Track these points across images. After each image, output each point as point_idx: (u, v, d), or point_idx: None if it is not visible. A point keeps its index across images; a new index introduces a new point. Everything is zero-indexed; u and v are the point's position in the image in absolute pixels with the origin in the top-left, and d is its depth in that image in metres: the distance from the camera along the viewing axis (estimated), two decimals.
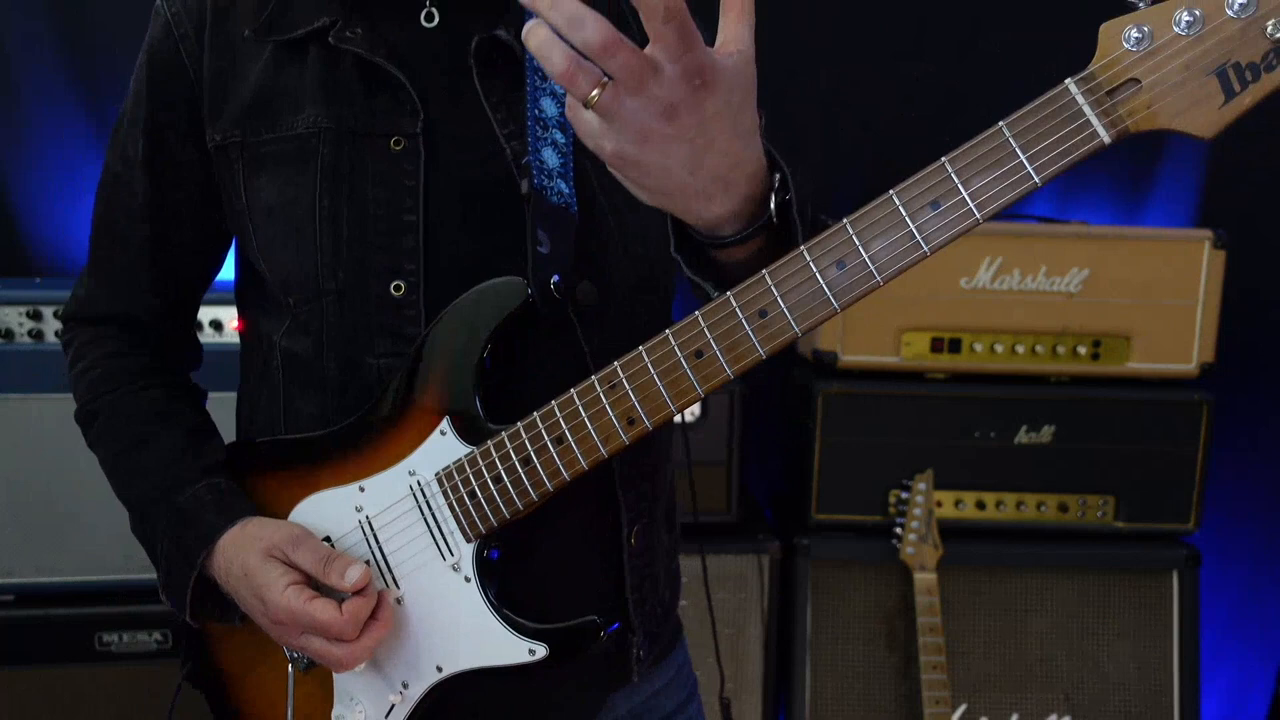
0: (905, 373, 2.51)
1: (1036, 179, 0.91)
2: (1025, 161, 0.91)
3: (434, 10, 1.22)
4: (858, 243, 0.95)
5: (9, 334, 2.28)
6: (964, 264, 2.47)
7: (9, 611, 2.29)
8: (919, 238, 0.94)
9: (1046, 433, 2.51)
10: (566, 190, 1.18)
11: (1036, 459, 2.51)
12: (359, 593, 1.14)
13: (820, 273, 0.97)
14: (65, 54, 2.76)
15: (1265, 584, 3.05)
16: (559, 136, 1.19)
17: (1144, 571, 2.52)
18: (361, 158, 1.19)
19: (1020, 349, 2.50)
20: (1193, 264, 2.45)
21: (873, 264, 0.95)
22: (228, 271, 1.40)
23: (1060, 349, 2.49)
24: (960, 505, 2.53)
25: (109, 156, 1.34)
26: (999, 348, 2.50)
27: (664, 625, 1.36)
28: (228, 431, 1.37)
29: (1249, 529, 3.02)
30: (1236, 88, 0.87)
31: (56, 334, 2.27)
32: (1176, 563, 2.51)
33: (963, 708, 2.50)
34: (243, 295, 1.36)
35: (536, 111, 1.19)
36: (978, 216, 0.93)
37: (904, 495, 2.47)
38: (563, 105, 1.20)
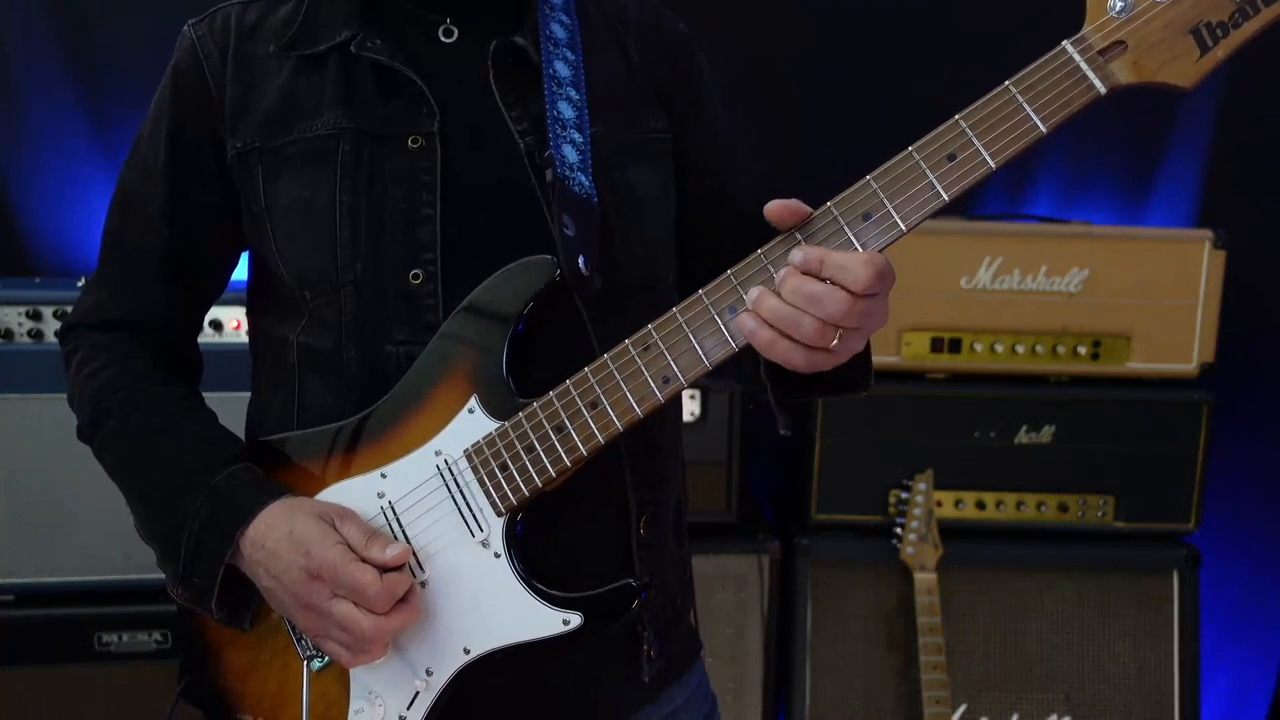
0: (905, 373, 2.51)
1: (1043, 128, 1.02)
2: (1032, 113, 1.02)
3: (453, 27, 1.29)
4: (882, 196, 1.05)
5: (9, 334, 2.28)
6: (964, 264, 2.47)
7: (9, 611, 2.30)
8: (939, 187, 1.04)
9: (1046, 433, 2.51)
10: (587, 183, 1.24)
11: (1036, 459, 2.51)
12: (395, 572, 1.16)
13: (847, 225, 1.06)
14: (65, 54, 2.76)
15: (1265, 584, 3.05)
16: (577, 137, 1.25)
17: (1144, 571, 2.52)
18: (380, 156, 1.24)
19: (1020, 349, 2.50)
20: (1193, 264, 2.45)
21: (897, 214, 1.05)
22: (246, 268, 1.41)
23: (1060, 349, 2.49)
24: (960, 505, 2.53)
25: (125, 174, 1.37)
26: (999, 348, 2.50)
27: (675, 630, 1.37)
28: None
29: (1249, 529, 3.02)
30: (1210, 43, 1.00)
31: (56, 334, 2.27)
32: (1176, 563, 2.51)
33: (963, 708, 2.50)
34: (254, 305, 1.38)
35: (556, 113, 1.25)
36: (991, 165, 1.03)
37: (904, 495, 2.47)
38: (578, 110, 1.27)
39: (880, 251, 1.06)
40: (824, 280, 1.03)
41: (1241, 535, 3.00)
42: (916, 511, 2.44)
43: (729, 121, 1.43)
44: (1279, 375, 3.00)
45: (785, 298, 1.04)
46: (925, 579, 2.44)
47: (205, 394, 1.42)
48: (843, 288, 1.02)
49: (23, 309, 2.28)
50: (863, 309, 1.03)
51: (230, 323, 2.24)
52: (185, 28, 1.33)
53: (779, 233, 1.35)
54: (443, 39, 1.29)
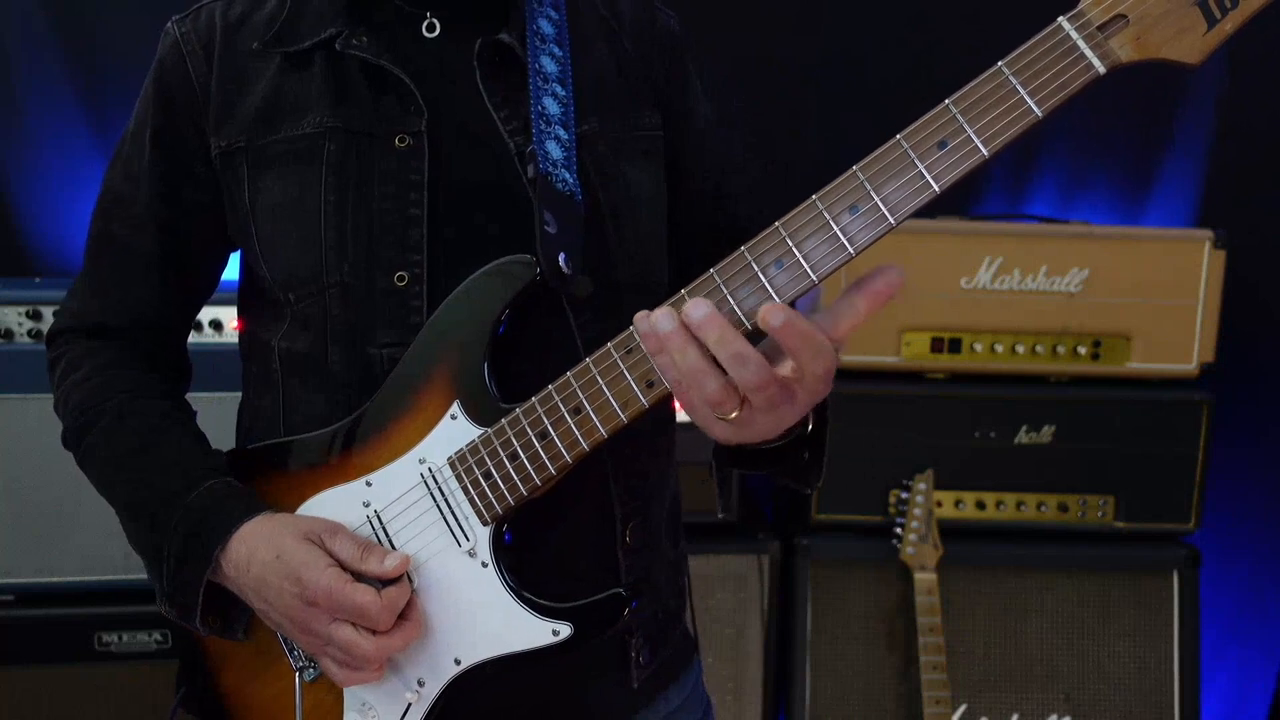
0: (905, 373, 2.51)
1: (1038, 112, 0.95)
2: (1026, 96, 0.95)
3: (435, 21, 1.26)
4: (869, 188, 0.98)
5: (9, 334, 2.28)
6: (964, 264, 2.47)
7: (9, 611, 2.30)
8: (928, 177, 0.97)
9: (1046, 433, 2.51)
10: (570, 179, 1.21)
11: (1036, 459, 2.51)
12: (393, 585, 1.14)
13: (834, 219, 0.99)
14: (65, 54, 2.76)
15: (1266, 584, 3.05)
16: (561, 133, 1.22)
17: (1144, 571, 2.52)
18: (367, 155, 1.22)
19: (1020, 349, 2.50)
20: (1193, 264, 2.45)
21: (885, 206, 0.98)
22: (229, 272, 1.40)
23: (1060, 349, 2.49)
24: (960, 505, 2.53)
25: (109, 176, 1.35)
26: (999, 348, 2.50)
27: (668, 634, 1.36)
28: (228, 431, 1.37)
29: (1249, 529, 3.02)
30: (1217, 15, 0.93)
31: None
32: (1176, 563, 2.51)
33: (963, 708, 2.50)
34: (243, 306, 1.36)
35: (540, 108, 1.22)
36: (984, 152, 0.96)
37: (904, 495, 2.47)
38: (564, 107, 1.24)
39: (862, 250, 1.00)
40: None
41: (1241, 535, 3.00)
42: (916, 511, 2.44)
43: (723, 122, 1.41)
44: (1279, 375, 3.00)
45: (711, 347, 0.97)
46: (925, 579, 2.44)
47: (205, 394, 1.42)
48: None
49: (23, 309, 2.28)
50: (770, 398, 0.97)
51: (231, 323, 2.24)
52: (169, 24, 1.31)
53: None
54: (426, 34, 1.26)
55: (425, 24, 1.26)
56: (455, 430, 1.16)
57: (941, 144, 0.97)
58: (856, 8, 2.92)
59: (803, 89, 2.95)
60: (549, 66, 1.25)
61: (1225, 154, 2.93)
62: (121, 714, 2.32)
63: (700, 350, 0.97)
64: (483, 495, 1.15)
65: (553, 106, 1.23)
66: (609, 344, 1.09)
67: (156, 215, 1.31)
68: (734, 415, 0.99)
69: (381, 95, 1.23)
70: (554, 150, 1.21)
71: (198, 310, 1.43)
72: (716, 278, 1.03)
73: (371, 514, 1.20)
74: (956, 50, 2.79)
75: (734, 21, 2.82)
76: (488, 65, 1.24)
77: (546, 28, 1.27)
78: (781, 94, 2.92)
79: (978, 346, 2.49)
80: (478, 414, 1.16)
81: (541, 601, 1.15)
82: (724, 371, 0.97)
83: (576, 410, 1.10)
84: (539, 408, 1.12)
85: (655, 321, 0.98)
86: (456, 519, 1.16)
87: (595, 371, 1.09)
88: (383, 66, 1.22)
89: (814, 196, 1.00)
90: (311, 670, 1.22)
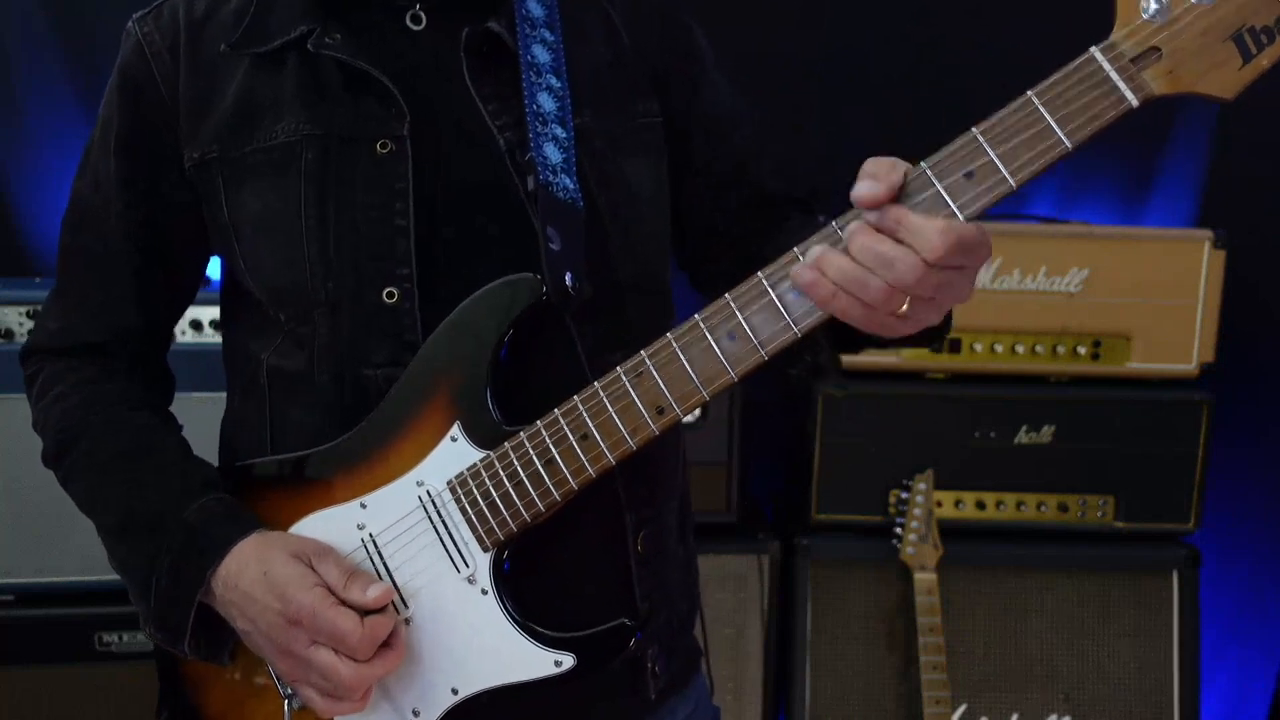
0: (905, 373, 2.51)
1: (1068, 144, 0.92)
2: (1055, 126, 0.92)
3: (421, 13, 1.20)
4: None
5: (9, 334, 2.28)
6: None
7: (9, 611, 2.30)
8: (953, 207, 0.96)
9: (1046, 433, 2.51)
10: (571, 186, 1.16)
11: (1036, 459, 2.51)
12: (377, 614, 1.09)
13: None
14: (65, 54, 2.76)
15: (1266, 584, 3.05)
16: (559, 131, 1.17)
17: (1144, 571, 2.51)
18: (348, 163, 1.15)
19: (1020, 349, 2.50)
20: (1193, 264, 2.45)
21: None
22: (219, 272, 1.39)
23: (1060, 349, 2.49)
24: (960, 505, 2.53)
25: (77, 188, 1.29)
26: (999, 348, 2.50)
27: (680, 640, 1.32)
28: (217, 431, 1.34)
29: (1249, 529, 3.02)
30: (1253, 50, 0.91)
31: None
32: (1176, 563, 2.50)
33: (963, 708, 2.49)
34: (226, 312, 1.31)
35: (535, 107, 1.16)
36: (1012, 183, 0.95)
37: (904, 495, 2.47)
38: (559, 100, 1.18)
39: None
40: (899, 242, 0.94)
41: (1241, 535, 3.00)
42: (916, 511, 2.44)
43: (736, 98, 1.34)
44: (1279, 375, 2.99)
45: (854, 255, 0.94)
46: (925, 579, 2.43)
47: (199, 394, 1.40)
48: (916, 254, 0.93)
49: (23, 309, 2.28)
50: (939, 280, 0.95)
51: None
52: (130, 24, 1.24)
53: (795, 211, 1.25)
54: (411, 26, 1.19)
55: (410, 15, 1.19)
56: (456, 452, 1.12)
57: (969, 174, 0.95)
58: (859, 2, 2.91)
59: (805, 83, 2.94)
60: (541, 56, 1.18)
61: (1225, 154, 2.93)
62: (121, 714, 2.31)
63: (852, 259, 0.96)
64: (483, 520, 1.11)
65: (548, 102, 1.17)
66: (618, 369, 1.06)
67: (131, 217, 1.25)
68: (904, 309, 0.97)
69: (361, 97, 1.16)
70: (552, 154, 1.15)
71: (177, 317, 1.37)
72: (731, 303, 1.02)
73: (366, 537, 1.15)
74: (958, 45, 2.79)
75: (736, 15, 2.82)
76: (475, 58, 1.17)
77: (536, 10, 1.20)
78: (784, 88, 2.92)
79: (977, 346, 2.49)
80: (479, 436, 1.12)
81: (544, 631, 1.11)
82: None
83: (584, 436, 1.07)
84: (544, 432, 1.09)
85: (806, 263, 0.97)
86: (456, 544, 1.13)
87: (604, 396, 1.06)
88: (360, 68, 1.15)
89: (833, 223, 0.98)
90: (299, 700, 1.18)
